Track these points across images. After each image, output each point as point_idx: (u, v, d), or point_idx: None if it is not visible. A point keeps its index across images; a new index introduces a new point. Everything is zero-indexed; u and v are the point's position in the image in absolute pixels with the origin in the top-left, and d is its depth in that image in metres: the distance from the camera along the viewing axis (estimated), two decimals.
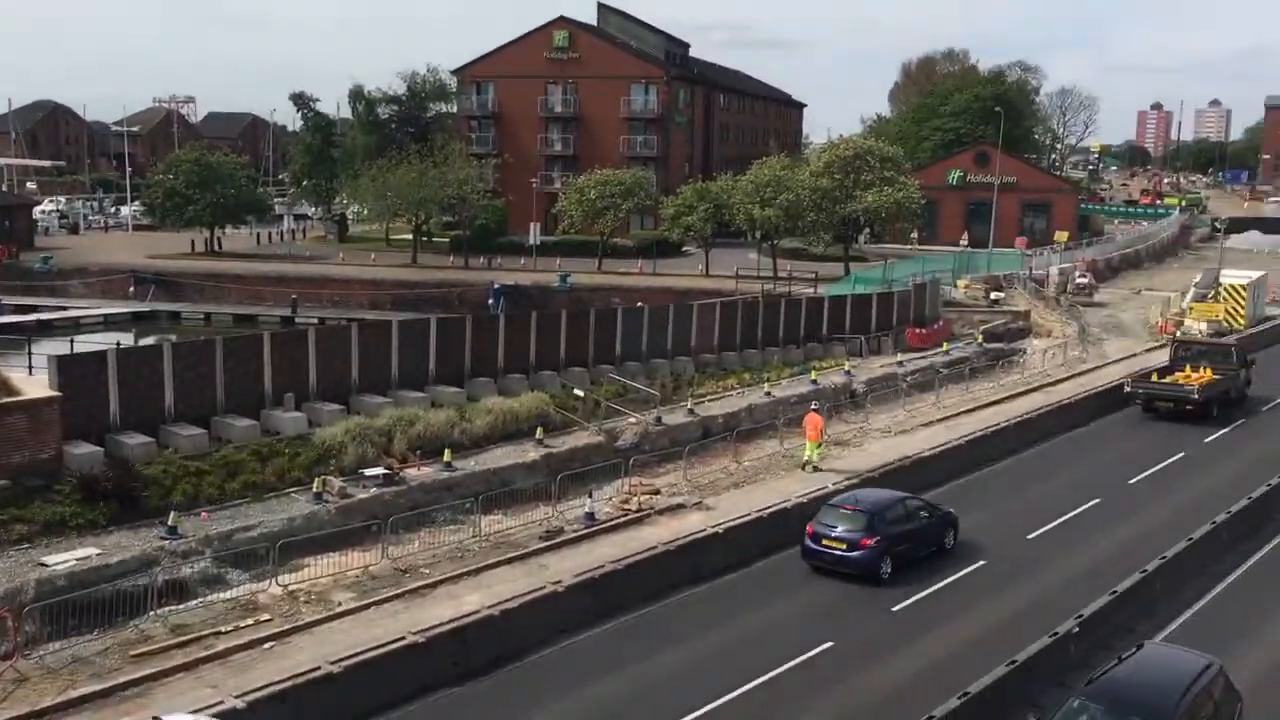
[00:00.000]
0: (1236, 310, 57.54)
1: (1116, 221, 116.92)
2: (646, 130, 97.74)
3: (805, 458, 32.37)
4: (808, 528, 25.66)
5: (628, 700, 19.64)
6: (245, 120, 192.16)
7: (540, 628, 21.74)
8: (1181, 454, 35.42)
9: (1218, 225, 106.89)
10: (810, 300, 55.16)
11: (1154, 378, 42.42)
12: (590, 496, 28.34)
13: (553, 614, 22.20)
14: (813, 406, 33.64)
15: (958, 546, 26.77)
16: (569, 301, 64.35)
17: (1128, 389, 41.58)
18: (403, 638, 20.20)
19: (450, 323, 40.27)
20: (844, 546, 24.92)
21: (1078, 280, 71.04)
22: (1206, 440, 37.21)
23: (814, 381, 43.71)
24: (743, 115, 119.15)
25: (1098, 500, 30.47)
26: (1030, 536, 27.84)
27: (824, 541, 25.19)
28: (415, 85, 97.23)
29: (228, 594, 23.00)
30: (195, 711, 17.14)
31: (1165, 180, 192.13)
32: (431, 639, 20.34)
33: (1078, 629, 20.45)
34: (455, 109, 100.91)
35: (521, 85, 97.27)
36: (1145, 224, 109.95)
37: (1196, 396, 39.46)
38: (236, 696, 18.02)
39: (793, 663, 20.83)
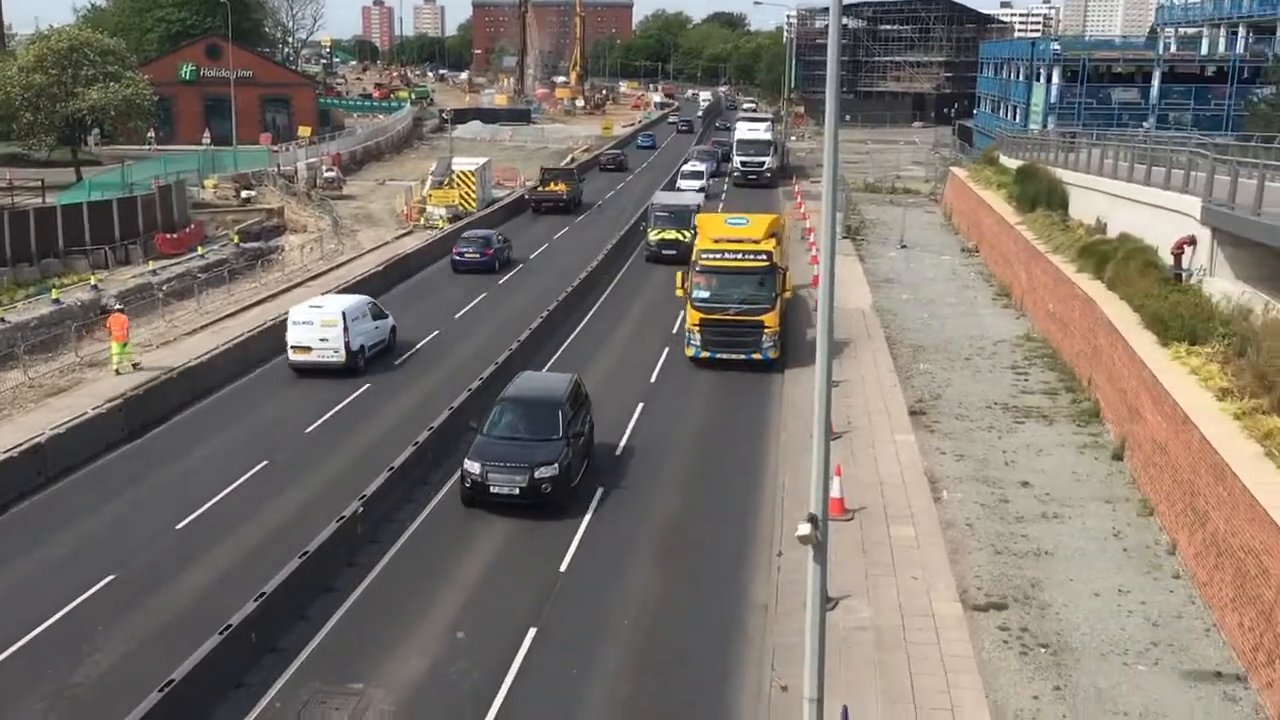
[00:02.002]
0: (469, 194, 62.96)
1: (355, 115, 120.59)
2: None
3: (114, 363, 31.91)
4: None
5: None
6: None
7: None
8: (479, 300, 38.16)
9: (445, 116, 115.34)
10: (40, 211, 49.58)
11: (538, 190, 66.50)
12: None
13: None
14: (116, 307, 33.14)
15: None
16: None
17: (526, 196, 66.85)
18: None
19: None
20: None
21: (326, 174, 72.41)
22: (501, 282, 40.49)
23: (56, 301, 39.70)
24: None
25: (369, 385, 31.78)
26: (309, 430, 28.30)
27: None
28: None
29: None
30: None
31: (396, 74, 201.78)
32: None
33: (361, 509, 21.41)
34: None
35: None
36: (382, 117, 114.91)
37: (565, 197, 64.90)
38: None
39: None
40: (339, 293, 37.00)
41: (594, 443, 25.98)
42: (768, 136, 78.85)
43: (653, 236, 49.96)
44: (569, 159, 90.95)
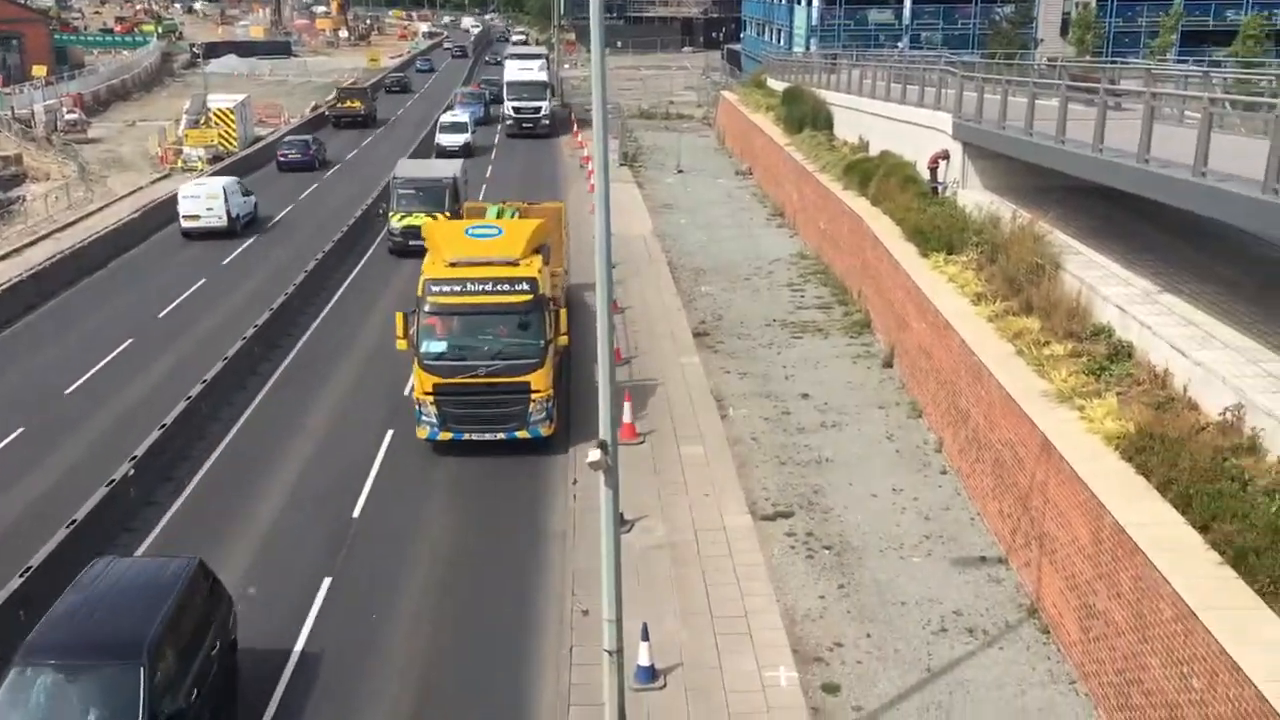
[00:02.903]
0: (229, 133, 59.74)
1: (96, 52, 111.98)
2: None
3: None
4: None
5: None
6: None
7: None
8: (203, 280, 36.33)
9: (196, 51, 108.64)
10: None
11: (336, 107, 71.77)
12: None
13: None
14: None
15: None
16: None
17: (327, 113, 71.79)
18: None
19: None
20: None
21: (67, 117, 67.34)
22: (224, 263, 38.62)
23: None
24: None
25: (132, 340, 30.04)
26: (69, 391, 26.56)
27: None
28: None
29: None
30: None
31: (141, 7, 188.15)
32: None
33: (133, 471, 20.30)
34: None
35: None
36: (127, 54, 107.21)
37: (363, 113, 70.71)
38: None
39: None
40: None
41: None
42: (543, 77, 68.92)
43: (395, 222, 38.43)
44: (333, 94, 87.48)
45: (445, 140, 58.94)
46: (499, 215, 28.60)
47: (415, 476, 21.98)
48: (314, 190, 51.22)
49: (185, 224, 41.44)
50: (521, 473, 22.08)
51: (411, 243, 35.84)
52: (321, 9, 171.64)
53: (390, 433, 23.77)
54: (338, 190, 50.75)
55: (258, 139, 63.15)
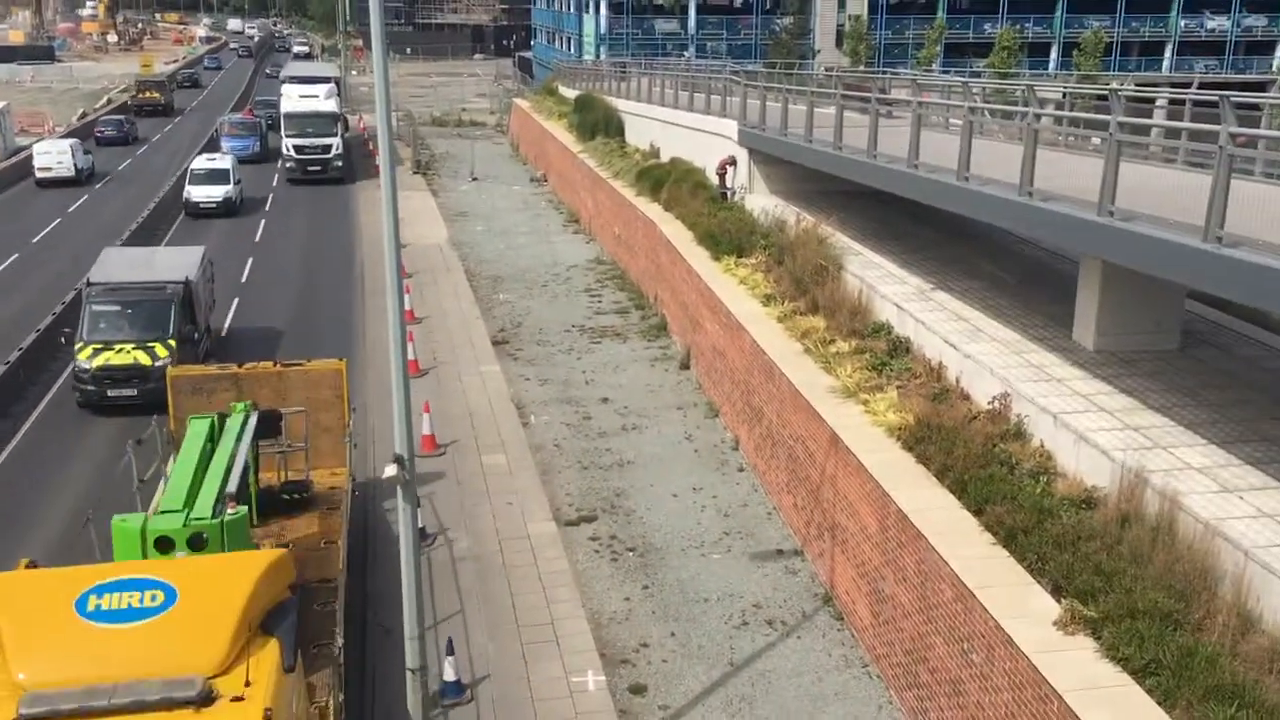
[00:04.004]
0: None
1: None
2: None
3: None
4: None
5: None
6: None
7: None
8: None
9: None
10: None
11: (137, 97, 77.23)
12: None
13: None
14: None
15: None
16: None
17: (129, 102, 76.77)
18: None
19: None
20: None
21: None
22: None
23: None
24: None
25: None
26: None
27: None
28: None
29: None
30: None
31: None
32: None
33: None
34: None
35: None
36: None
37: (162, 102, 77.45)
38: None
39: None
40: None
41: None
42: (331, 106, 53.52)
43: (84, 360, 24.14)
44: (104, 100, 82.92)
45: (198, 193, 43.92)
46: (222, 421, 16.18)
47: None
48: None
49: (40, 174, 50.12)
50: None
51: (112, 393, 23.82)
52: (88, 12, 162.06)
53: None
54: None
55: (19, 150, 58.96)
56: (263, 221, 44.26)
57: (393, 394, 12.34)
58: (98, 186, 51.01)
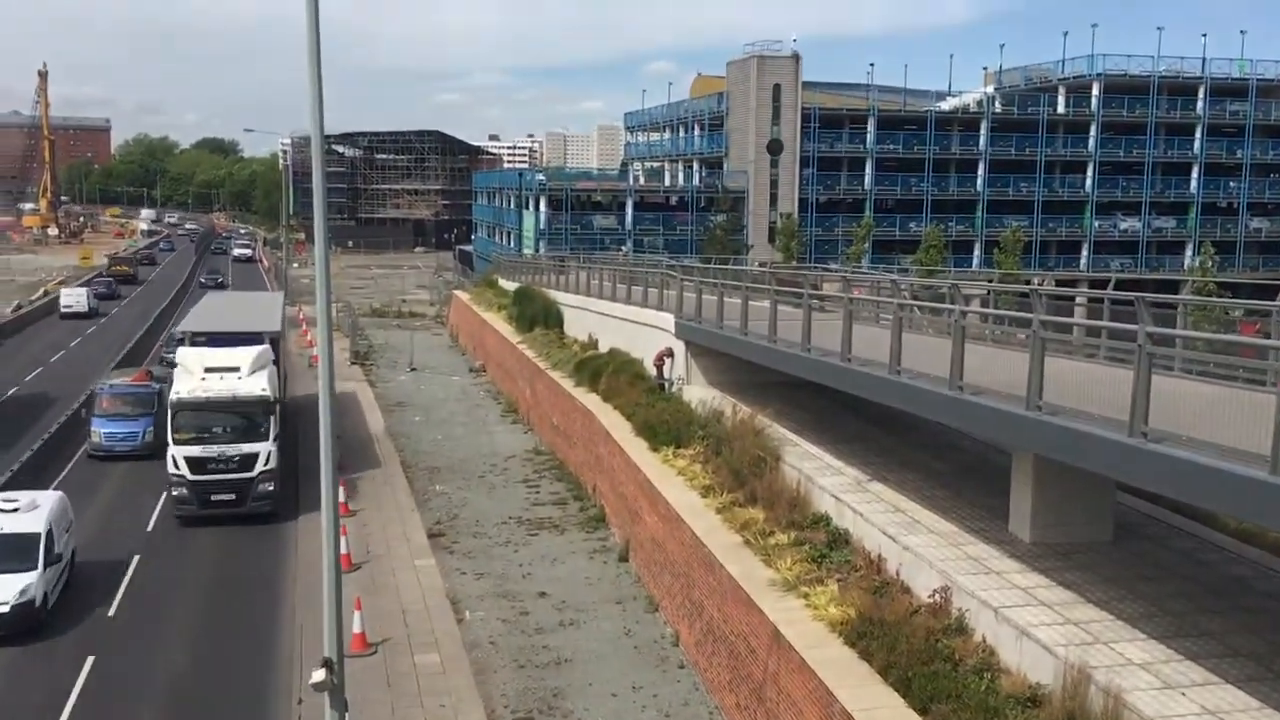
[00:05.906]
0: None
1: None
2: None
3: None
4: None
5: None
6: None
7: None
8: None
9: None
10: None
11: (111, 269, 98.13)
12: None
13: None
14: None
15: None
16: None
17: (104, 273, 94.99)
18: None
19: None
20: None
21: None
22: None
23: None
24: None
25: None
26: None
27: None
28: None
29: None
30: None
31: None
32: None
33: None
34: None
35: None
36: None
37: (132, 272, 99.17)
38: None
39: None
40: None
41: None
42: (259, 388, 29.90)
43: None
44: (41, 292, 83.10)
45: None
46: None
47: (125, 695, 19.88)
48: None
49: (64, 310, 70.61)
50: (240, 692, 20.43)
51: None
52: (29, 206, 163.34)
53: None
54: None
55: None
56: (121, 588, 24.62)
57: (324, 590, 11.97)
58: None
